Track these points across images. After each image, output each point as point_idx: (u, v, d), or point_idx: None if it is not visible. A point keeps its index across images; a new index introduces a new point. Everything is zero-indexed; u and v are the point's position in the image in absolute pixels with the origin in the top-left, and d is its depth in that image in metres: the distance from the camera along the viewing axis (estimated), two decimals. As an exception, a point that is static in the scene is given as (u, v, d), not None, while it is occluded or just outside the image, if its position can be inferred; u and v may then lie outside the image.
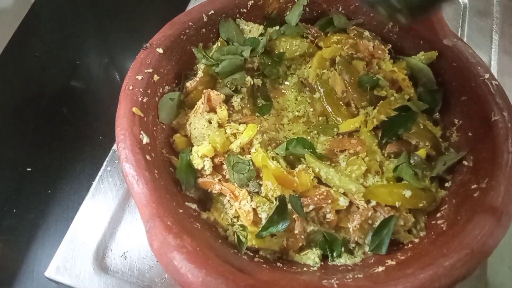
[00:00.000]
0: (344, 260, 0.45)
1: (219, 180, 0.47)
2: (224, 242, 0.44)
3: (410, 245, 0.46)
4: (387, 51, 0.57)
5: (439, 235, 0.44)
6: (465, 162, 0.50)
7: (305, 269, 0.44)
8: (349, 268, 0.44)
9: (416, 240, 0.46)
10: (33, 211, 0.60)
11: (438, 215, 0.47)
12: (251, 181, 0.47)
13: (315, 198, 0.45)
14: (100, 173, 0.58)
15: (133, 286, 0.50)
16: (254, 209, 0.45)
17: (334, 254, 0.46)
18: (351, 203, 0.47)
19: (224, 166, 0.48)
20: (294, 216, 0.45)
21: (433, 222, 0.47)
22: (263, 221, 0.45)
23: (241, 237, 0.44)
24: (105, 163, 0.59)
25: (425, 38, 0.56)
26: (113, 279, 0.50)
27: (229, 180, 0.48)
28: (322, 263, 0.46)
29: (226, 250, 0.41)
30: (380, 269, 0.42)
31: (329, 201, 0.45)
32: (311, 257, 0.45)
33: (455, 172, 0.50)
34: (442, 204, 0.48)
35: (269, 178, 0.46)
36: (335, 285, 0.38)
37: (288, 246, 0.45)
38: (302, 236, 0.45)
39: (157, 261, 0.51)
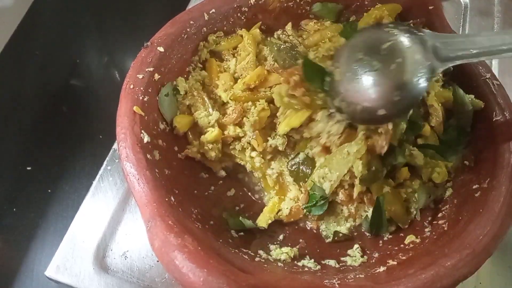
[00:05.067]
0: (351, 261, 0.45)
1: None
2: (225, 242, 0.44)
3: (411, 245, 0.46)
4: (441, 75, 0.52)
5: (441, 235, 0.44)
6: (466, 162, 0.49)
7: (306, 269, 0.44)
8: (351, 268, 0.44)
9: (418, 240, 0.46)
10: (33, 210, 0.60)
11: (440, 215, 0.47)
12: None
13: None
14: (100, 172, 0.58)
15: (134, 285, 0.50)
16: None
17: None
18: None
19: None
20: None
21: (435, 222, 0.47)
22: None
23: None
24: (105, 162, 0.58)
25: (426, 37, 0.55)
26: (113, 279, 0.50)
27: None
28: (323, 263, 0.46)
29: (228, 250, 0.41)
30: (382, 269, 0.42)
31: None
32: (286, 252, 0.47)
33: (456, 172, 0.50)
34: (444, 204, 0.48)
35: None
36: (337, 285, 0.38)
37: (289, 215, 0.49)
38: (305, 210, 0.49)
39: (157, 261, 0.51)
